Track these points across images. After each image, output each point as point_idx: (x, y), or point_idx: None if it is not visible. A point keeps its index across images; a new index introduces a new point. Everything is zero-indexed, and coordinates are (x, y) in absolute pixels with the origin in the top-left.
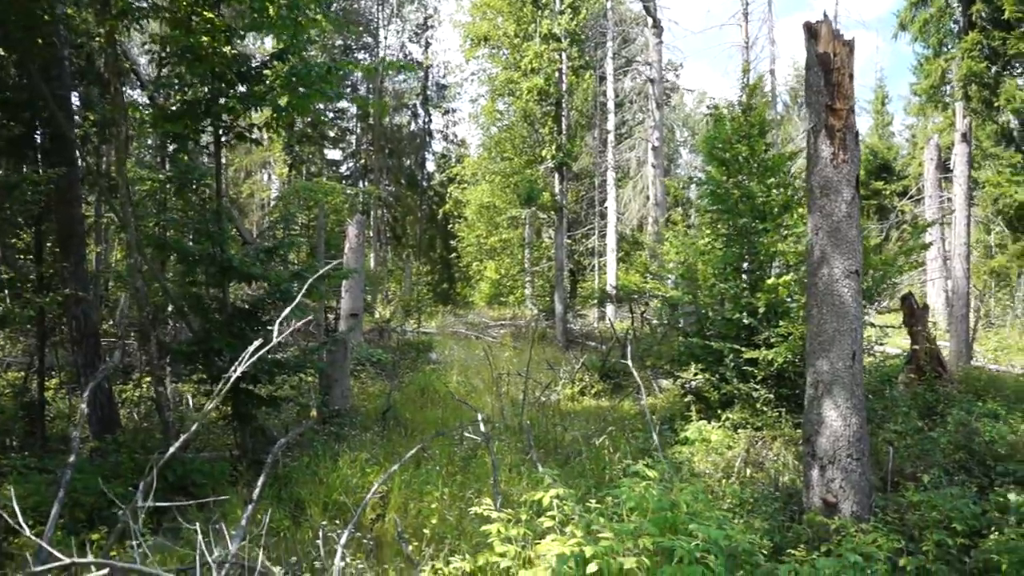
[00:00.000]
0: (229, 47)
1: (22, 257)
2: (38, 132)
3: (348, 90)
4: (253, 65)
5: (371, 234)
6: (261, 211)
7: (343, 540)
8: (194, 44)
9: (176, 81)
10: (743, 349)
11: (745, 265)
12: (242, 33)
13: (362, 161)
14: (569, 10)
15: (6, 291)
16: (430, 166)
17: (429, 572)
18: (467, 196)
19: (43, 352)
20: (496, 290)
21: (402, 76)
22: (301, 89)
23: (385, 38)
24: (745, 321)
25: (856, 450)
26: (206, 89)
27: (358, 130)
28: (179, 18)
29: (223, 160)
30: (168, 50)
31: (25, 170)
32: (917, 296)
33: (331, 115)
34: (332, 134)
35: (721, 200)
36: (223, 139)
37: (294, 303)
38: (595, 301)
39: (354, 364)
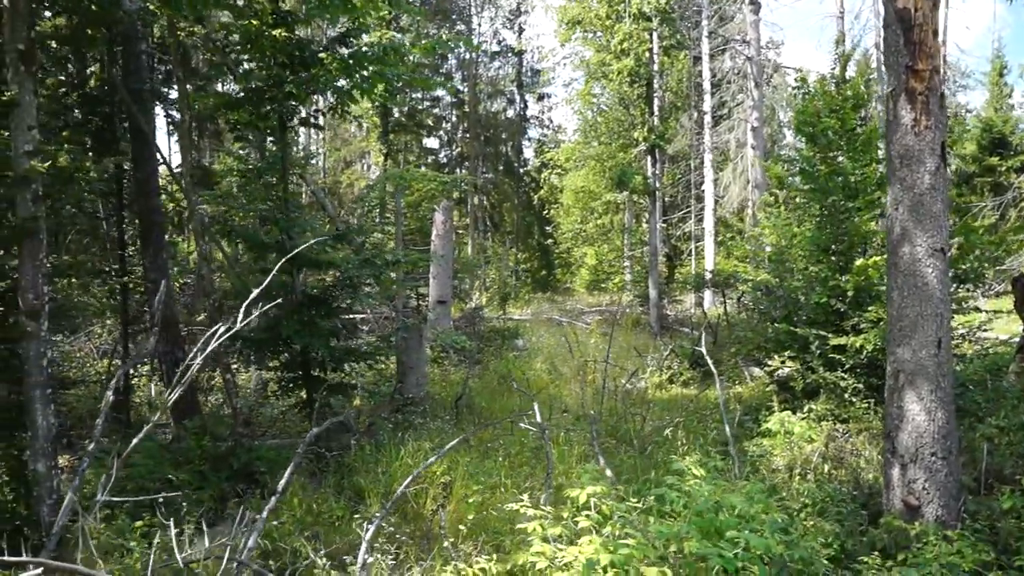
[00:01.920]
0: (286, 31)
1: (105, 249)
2: (118, 126)
3: (441, 78)
4: (315, 50)
5: (467, 221)
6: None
7: (368, 535)
8: (247, 29)
9: (229, 68)
10: (830, 335)
11: (834, 247)
12: (302, 18)
13: (459, 149)
14: None
15: (92, 281)
16: (527, 152)
17: (452, 571)
18: (563, 182)
19: (127, 340)
20: (595, 276)
21: (496, 63)
22: (360, 72)
23: (479, 25)
24: (834, 305)
25: (942, 447)
26: (266, 75)
27: (454, 117)
28: (232, 3)
29: (320, 149)
30: (227, 37)
31: (103, 163)
32: None
33: (426, 103)
34: (428, 122)
35: (811, 178)
36: (287, 125)
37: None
38: (691, 286)
39: (438, 351)
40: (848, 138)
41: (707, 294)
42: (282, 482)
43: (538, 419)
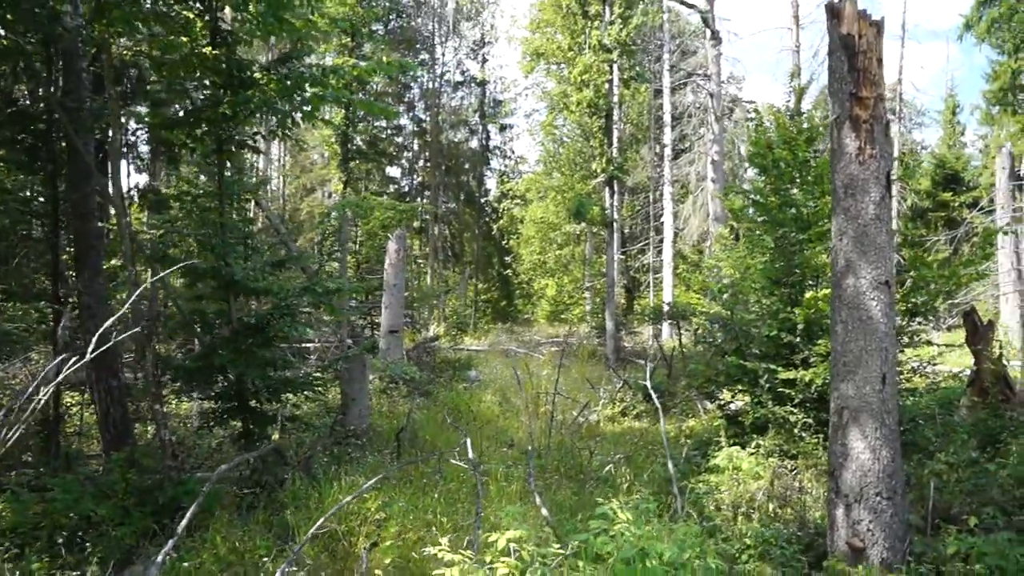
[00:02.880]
0: (219, 50)
1: (37, 273)
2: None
3: (403, 108)
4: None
5: (428, 251)
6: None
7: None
8: (172, 45)
9: (161, 88)
10: (780, 369)
11: (786, 279)
12: (239, 37)
13: (420, 178)
14: (619, 20)
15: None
16: (489, 183)
17: None
18: (524, 212)
19: (59, 367)
20: (555, 307)
21: (460, 93)
22: (301, 95)
23: (443, 55)
24: (784, 339)
25: (887, 487)
26: (199, 95)
27: (416, 146)
28: (161, 17)
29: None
30: (155, 56)
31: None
32: (990, 313)
33: (389, 132)
34: (390, 151)
35: (764, 210)
36: (224, 148)
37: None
38: (649, 319)
39: (387, 382)
40: (801, 170)
41: (665, 326)
42: (183, 523)
43: (470, 455)
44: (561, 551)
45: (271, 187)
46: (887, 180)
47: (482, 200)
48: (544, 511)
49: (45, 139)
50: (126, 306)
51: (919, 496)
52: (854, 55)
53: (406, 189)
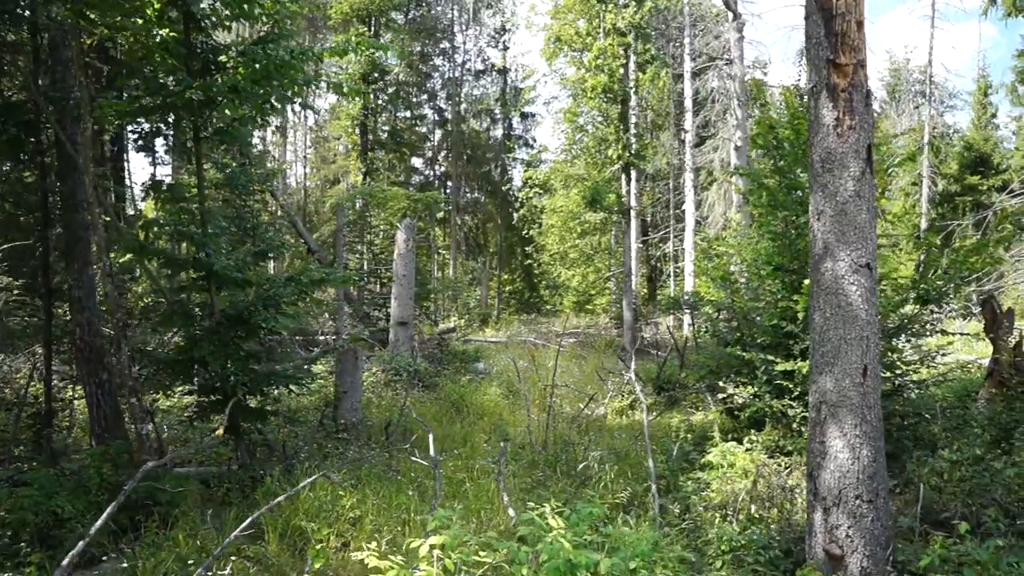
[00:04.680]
0: (195, 35)
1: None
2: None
3: (425, 97)
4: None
5: (450, 241)
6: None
7: None
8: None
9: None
10: (778, 360)
11: (787, 265)
12: (215, 23)
13: (442, 168)
14: (633, 3)
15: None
16: (511, 172)
17: None
18: (546, 202)
19: (50, 360)
20: (581, 298)
21: (481, 81)
22: (271, 80)
23: (464, 43)
24: (784, 327)
25: (868, 489)
26: (164, 82)
27: (437, 136)
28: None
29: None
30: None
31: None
32: (1015, 301)
33: (410, 121)
34: (411, 140)
35: (768, 192)
36: (201, 136)
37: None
38: (666, 308)
39: (391, 375)
40: (805, 150)
41: (688, 316)
42: (98, 522)
43: (431, 451)
44: (487, 559)
45: (294, 178)
46: (868, 154)
47: (505, 190)
48: (511, 511)
49: (33, 131)
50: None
51: (913, 498)
52: (831, 18)
53: (428, 179)
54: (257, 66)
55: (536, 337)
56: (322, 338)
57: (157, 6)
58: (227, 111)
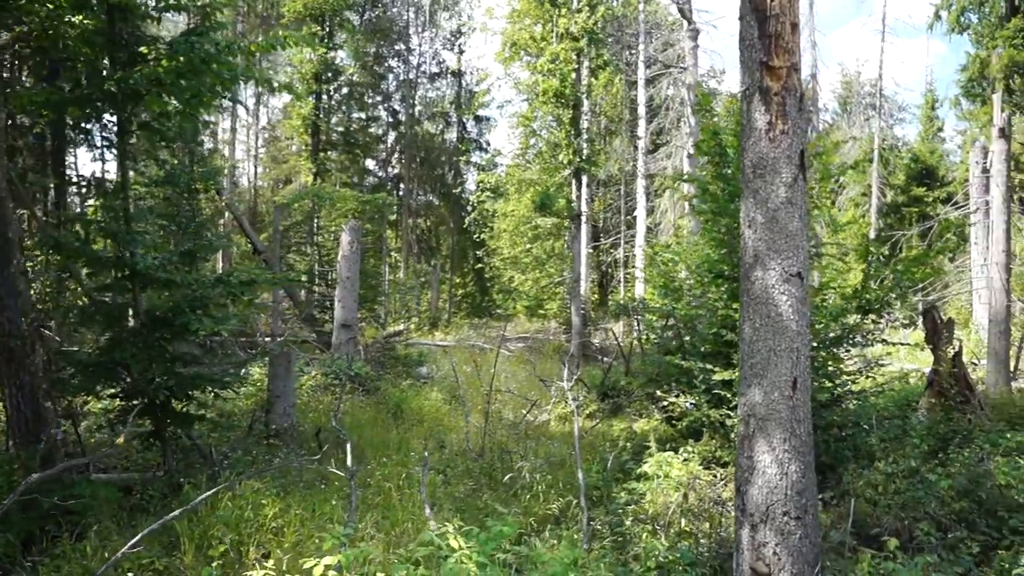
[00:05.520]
0: (120, 25)
1: None
2: None
3: (379, 98)
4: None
5: (400, 244)
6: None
7: None
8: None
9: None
10: (717, 369)
11: (727, 272)
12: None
13: (395, 170)
14: (586, 8)
15: None
16: (464, 175)
17: None
18: (499, 207)
19: None
20: (534, 303)
21: (436, 84)
22: (197, 74)
23: (419, 45)
24: (724, 336)
25: (796, 506)
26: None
27: (391, 138)
28: None
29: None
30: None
31: None
32: (965, 311)
33: (363, 122)
34: (364, 141)
35: (713, 199)
36: (128, 130)
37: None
38: (616, 314)
39: (331, 379)
40: None
41: (635, 322)
42: None
43: (349, 461)
44: None
45: (246, 178)
46: (801, 159)
47: (458, 193)
48: (432, 524)
49: None
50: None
51: (845, 512)
52: (765, 19)
53: (382, 181)
54: (182, 59)
55: (485, 341)
56: (265, 340)
57: None
58: (154, 106)
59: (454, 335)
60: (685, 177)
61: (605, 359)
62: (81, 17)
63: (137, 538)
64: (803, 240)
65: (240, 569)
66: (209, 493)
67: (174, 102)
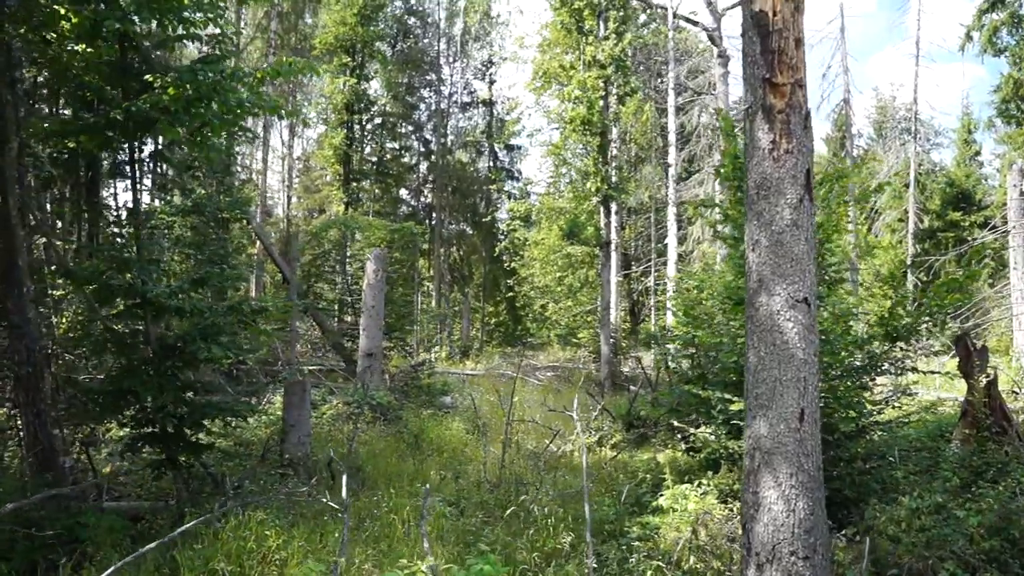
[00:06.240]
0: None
1: None
2: None
3: (411, 128)
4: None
5: (432, 273)
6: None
7: None
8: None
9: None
10: (734, 399)
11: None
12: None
13: (427, 199)
14: (614, 36)
15: None
16: (496, 203)
17: None
18: (531, 235)
19: None
20: (566, 331)
21: (467, 113)
22: (203, 101)
23: (451, 75)
24: (743, 365)
25: (804, 545)
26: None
27: (423, 168)
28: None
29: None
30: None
31: None
32: (1006, 339)
33: (396, 152)
34: (395, 171)
35: (735, 225)
36: (137, 159)
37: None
38: (646, 342)
39: (353, 407)
40: None
41: (672, 348)
42: None
43: (344, 493)
44: None
45: (280, 208)
46: (807, 179)
47: (488, 221)
48: (429, 558)
49: None
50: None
51: (871, 548)
52: (768, 34)
53: (415, 210)
54: (188, 87)
55: (514, 370)
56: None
57: (75, 20)
58: (168, 134)
59: (485, 364)
60: (706, 202)
61: (630, 388)
62: (91, 48)
63: (113, 568)
64: (810, 264)
65: None
66: (198, 520)
67: (181, 130)
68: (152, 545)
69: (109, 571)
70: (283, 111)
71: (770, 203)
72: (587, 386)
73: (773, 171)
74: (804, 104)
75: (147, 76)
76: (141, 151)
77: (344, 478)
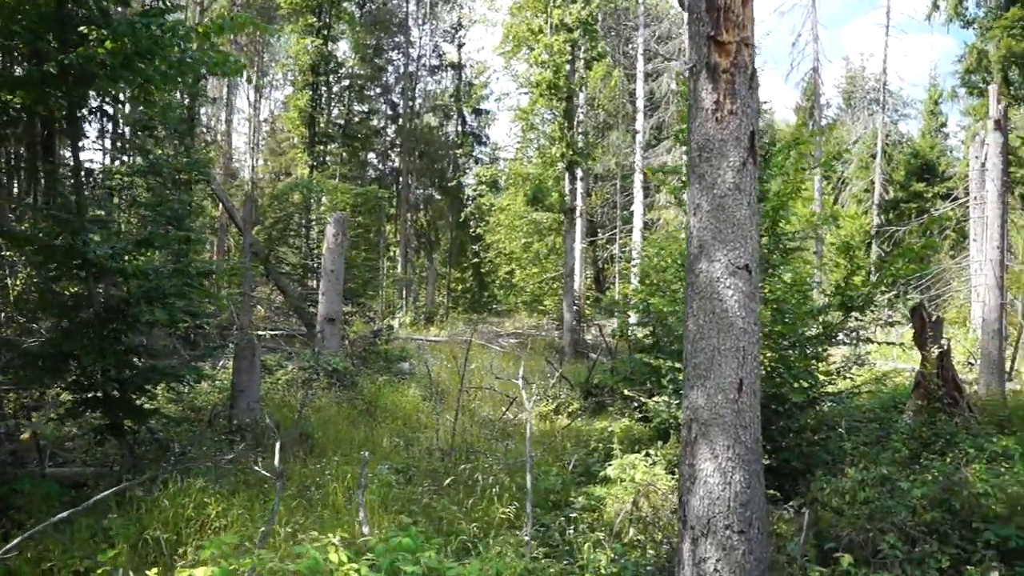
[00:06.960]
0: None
1: None
2: None
3: (379, 91)
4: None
5: (398, 238)
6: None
7: None
8: None
9: None
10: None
11: None
12: None
13: (394, 163)
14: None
15: None
16: (464, 168)
17: None
18: (498, 201)
19: None
20: (534, 298)
21: (436, 77)
22: (144, 57)
23: (419, 38)
24: None
25: (740, 519)
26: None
27: (391, 131)
28: None
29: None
30: None
31: None
32: (965, 311)
33: (362, 115)
34: (361, 134)
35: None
36: (78, 114)
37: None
38: (607, 310)
39: (309, 373)
40: None
41: (633, 317)
42: None
43: (276, 461)
44: None
45: (246, 171)
46: (750, 142)
47: (456, 186)
48: (365, 529)
49: None
50: None
51: (807, 522)
52: None
53: (380, 175)
54: (127, 41)
55: (478, 337)
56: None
57: None
58: (110, 88)
59: (449, 331)
60: (665, 168)
61: (590, 355)
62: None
63: (30, 532)
64: (752, 230)
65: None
66: (127, 484)
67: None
68: (77, 509)
69: (26, 533)
70: (229, 68)
71: (712, 166)
72: (548, 353)
73: (716, 132)
74: (750, 64)
75: (81, 28)
76: (81, 108)
77: (278, 444)
